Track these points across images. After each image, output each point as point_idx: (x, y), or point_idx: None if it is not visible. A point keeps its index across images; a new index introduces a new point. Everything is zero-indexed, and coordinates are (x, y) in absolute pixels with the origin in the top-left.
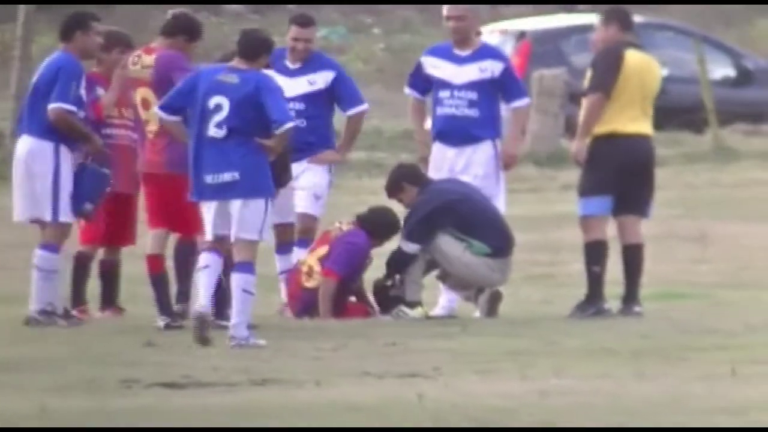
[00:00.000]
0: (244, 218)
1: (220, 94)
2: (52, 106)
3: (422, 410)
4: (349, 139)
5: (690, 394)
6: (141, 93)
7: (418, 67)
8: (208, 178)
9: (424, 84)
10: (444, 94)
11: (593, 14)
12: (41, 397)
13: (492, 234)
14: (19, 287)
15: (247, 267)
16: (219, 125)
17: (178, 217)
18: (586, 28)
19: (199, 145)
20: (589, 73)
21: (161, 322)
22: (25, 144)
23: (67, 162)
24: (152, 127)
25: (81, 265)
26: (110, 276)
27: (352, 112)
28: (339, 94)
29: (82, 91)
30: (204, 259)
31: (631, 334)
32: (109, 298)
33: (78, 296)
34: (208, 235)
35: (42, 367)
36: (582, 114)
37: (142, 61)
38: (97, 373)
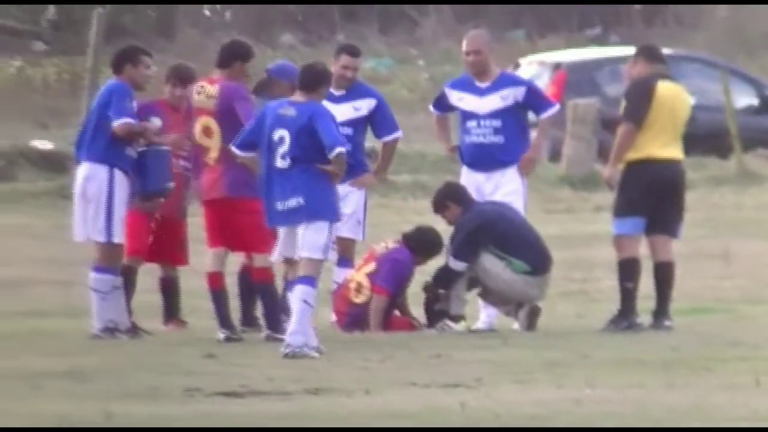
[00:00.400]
0: (308, 239)
1: (282, 128)
2: (115, 123)
3: (464, 418)
4: (385, 164)
5: (714, 404)
6: (203, 121)
7: (443, 96)
8: (278, 206)
9: (446, 107)
10: (471, 124)
11: (623, 47)
12: (107, 404)
13: (531, 252)
14: (83, 302)
15: (310, 281)
16: (283, 156)
17: (235, 237)
18: (617, 60)
19: (269, 175)
20: (622, 104)
21: (221, 334)
22: (82, 169)
23: (122, 187)
24: (213, 155)
25: (126, 278)
26: (170, 291)
27: (388, 138)
28: (378, 120)
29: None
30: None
31: (661, 346)
32: (171, 312)
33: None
34: (275, 256)
35: (107, 376)
36: (615, 141)
37: (206, 91)
38: (160, 382)
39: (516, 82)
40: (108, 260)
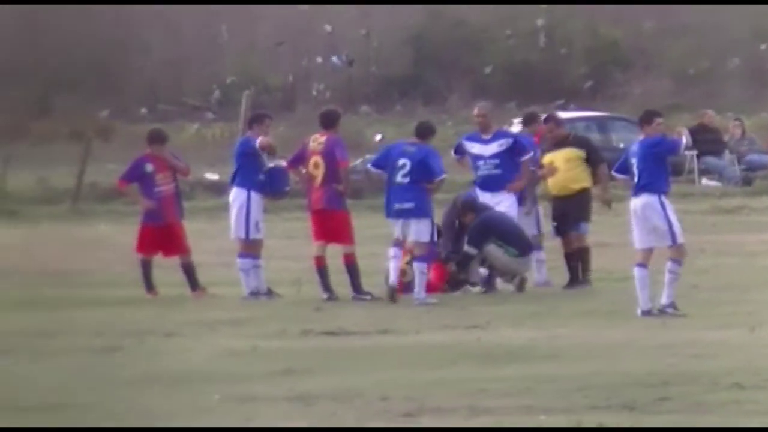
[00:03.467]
0: (418, 230)
1: (405, 158)
2: (258, 140)
3: (479, 348)
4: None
5: (636, 337)
6: (315, 159)
7: (460, 145)
8: (396, 205)
9: (462, 152)
10: (480, 162)
11: (579, 112)
12: (254, 341)
13: (518, 242)
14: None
15: (423, 258)
16: (404, 176)
17: (331, 234)
18: (574, 119)
19: (391, 185)
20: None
21: (324, 295)
22: (232, 192)
23: (254, 201)
24: (318, 180)
25: (146, 264)
26: (190, 271)
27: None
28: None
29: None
30: (392, 251)
31: (604, 301)
32: (195, 284)
33: (149, 282)
34: (395, 235)
35: (253, 324)
36: (605, 176)
37: (318, 140)
38: (287, 327)
39: (507, 135)
40: (248, 249)
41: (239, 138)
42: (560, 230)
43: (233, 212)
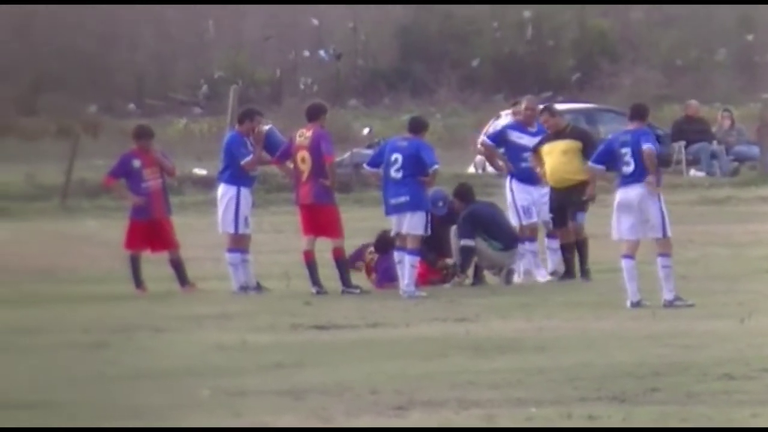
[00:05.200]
0: (412, 222)
1: (397, 152)
2: (242, 162)
3: (468, 340)
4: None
5: (625, 328)
6: (301, 154)
7: (501, 133)
8: (392, 201)
9: (498, 142)
10: (526, 154)
11: (566, 104)
12: (243, 335)
13: (503, 236)
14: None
15: (415, 252)
16: (397, 170)
17: (320, 227)
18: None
19: (386, 182)
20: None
21: (313, 290)
22: (220, 188)
23: (245, 196)
24: (305, 175)
25: (135, 260)
26: (178, 266)
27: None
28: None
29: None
30: (397, 255)
31: (592, 293)
32: (183, 280)
33: (138, 278)
34: (394, 232)
35: (242, 317)
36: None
37: (304, 135)
38: (277, 321)
39: (544, 130)
40: (235, 243)
41: (228, 133)
42: (558, 222)
43: (221, 208)
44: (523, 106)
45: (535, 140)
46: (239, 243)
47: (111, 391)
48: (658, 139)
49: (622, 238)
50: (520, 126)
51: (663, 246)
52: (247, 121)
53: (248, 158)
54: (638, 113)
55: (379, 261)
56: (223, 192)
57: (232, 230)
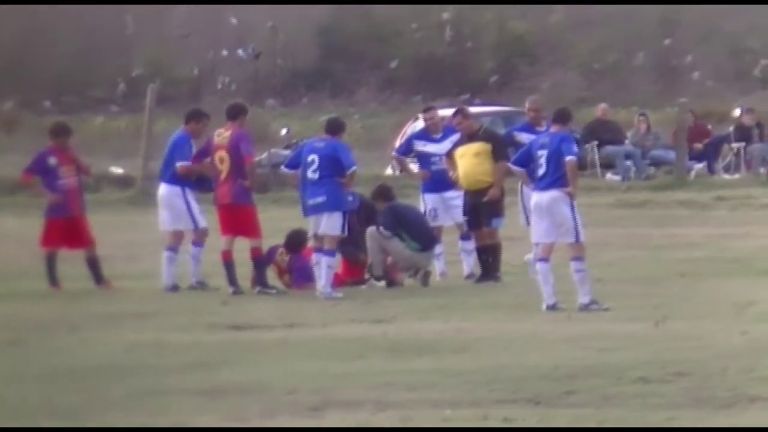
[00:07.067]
0: (329, 223)
1: (314, 153)
2: (178, 164)
3: (385, 341)
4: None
5: (537, 330)
6: (220, 154)
7: (510, 136)
8: (309, 201)
9: (511, 140)
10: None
11: (484, 107)
12: (160, 334)
13: (420, 236)
14: (150, 268)
15: (331, 252)
16: (314, 171)
17: (238, 227)
18: (481, 114)
19: (304, 183)
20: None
21: (231, 289)
22: (162, 187)
23: (191, 193)
24: (224, 175)
25: (51, 258)
26: (94, 264)
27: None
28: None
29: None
30: (315, 257)
31: (509, 294)
32: (99, 278)
33: (53, 276)
34: (311, 233)
35: (162, 316)
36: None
37: (223, 135)
38: (190, 320)
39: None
40: (200, 237)
41: (176, 132)
42: (472, 224)
43: (169, 208)
44: (527, 107)
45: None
46: (203, 236)
47: (27, 390)
48: (576, 142)
49: (538, 241)
50: (526, 126)
51: (576, 250)
52: (192, 122)
53: (184, 163)
54: (560, 117)
55: (293, 261)
56: (167, 191)
57: (192, 226)
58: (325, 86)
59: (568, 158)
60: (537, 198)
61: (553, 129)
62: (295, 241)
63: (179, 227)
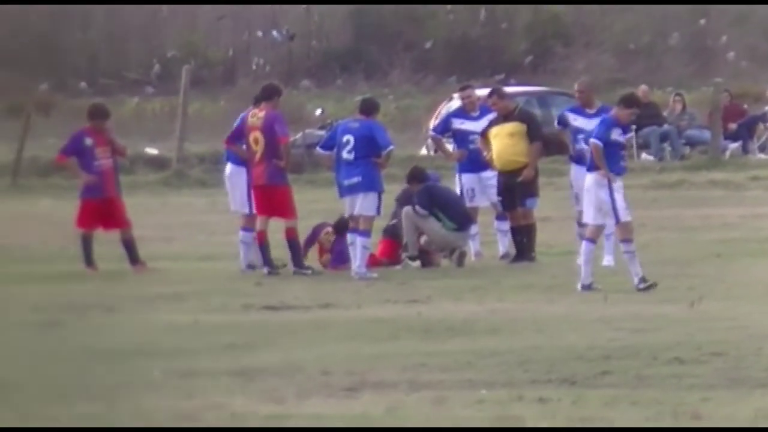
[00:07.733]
0: (364, 204)
1: (349, 134)
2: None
3: (420, 322)
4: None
5: (576, 311)
6: (254, 135)
7: (563, 117)
8: (345, 182)
9: (566, 124)
10: (580, 136)
11: (519, 87)
12: (195, 315)
13: (457, 216)
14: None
15: (366, 233)
16: (349, 152)
17: (273, 208)
18: (516, 94)
19: (339, 163)
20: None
21: (266, 270)
22: (228, 167)
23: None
24: (258, 156)
25: (86, 239)
26: (130, 245)
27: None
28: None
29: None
30: (350, 237)
31: (545, 275)
32: (135, 259)
33: (89, 257)
34: (347, 213)
35: (195, 298)
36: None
37: (257, 115)
38: (229, 301)
39: (606, 110)
40: (249, 223)
41: (241, 115)
42: (507, 205)
43: (233, 188)
44: (575, 88)
45: (590, 123)
46: (252, 222)
47: (63, 371)
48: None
49: (587, 221)
50: (577, 108)
51: (621, 231)
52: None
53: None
54: (622, 100)
55: (336, 242)
56: (234, 172)
57: (247, 210)
58: (359, 67)
59: (591, 141)
60: (586, 180)
61: (612, 112)
62: (344, 225)
63: (243, 210)
